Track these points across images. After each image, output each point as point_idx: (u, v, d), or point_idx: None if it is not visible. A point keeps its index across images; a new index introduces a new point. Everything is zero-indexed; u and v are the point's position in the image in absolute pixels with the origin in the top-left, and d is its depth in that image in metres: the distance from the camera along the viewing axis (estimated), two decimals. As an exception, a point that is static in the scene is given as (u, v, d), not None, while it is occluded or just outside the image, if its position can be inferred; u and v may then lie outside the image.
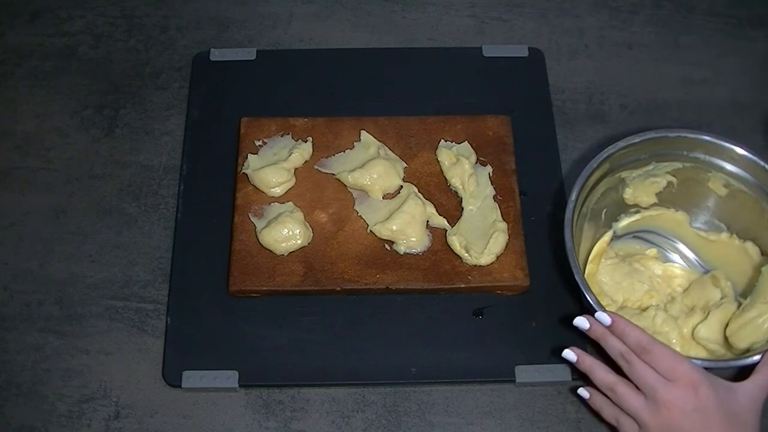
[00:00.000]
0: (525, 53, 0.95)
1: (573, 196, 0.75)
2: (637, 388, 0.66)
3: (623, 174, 0.80)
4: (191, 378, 0.77)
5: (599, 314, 0.68)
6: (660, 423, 0.65)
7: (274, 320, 0.80)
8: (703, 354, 0.77)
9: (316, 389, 0.79)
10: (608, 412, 0.69)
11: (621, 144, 0.77)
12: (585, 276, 0.76)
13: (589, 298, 0.71)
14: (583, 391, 0.72)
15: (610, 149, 0.77)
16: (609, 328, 0.67)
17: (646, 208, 0.84)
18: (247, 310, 0.80)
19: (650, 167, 0.80)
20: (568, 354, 0.70)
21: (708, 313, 0.77)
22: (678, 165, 0.80)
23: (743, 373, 0.68)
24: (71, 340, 0.81)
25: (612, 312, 0.68)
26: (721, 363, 0.73)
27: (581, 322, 0.69)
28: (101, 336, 0.81)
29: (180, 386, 0.77)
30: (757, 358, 0.68)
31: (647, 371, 0.65)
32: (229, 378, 0.77)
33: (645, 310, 0.79)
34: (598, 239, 0.83)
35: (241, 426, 0.77)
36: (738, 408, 0.65)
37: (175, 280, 0.82)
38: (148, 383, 0.79)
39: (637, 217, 0.84)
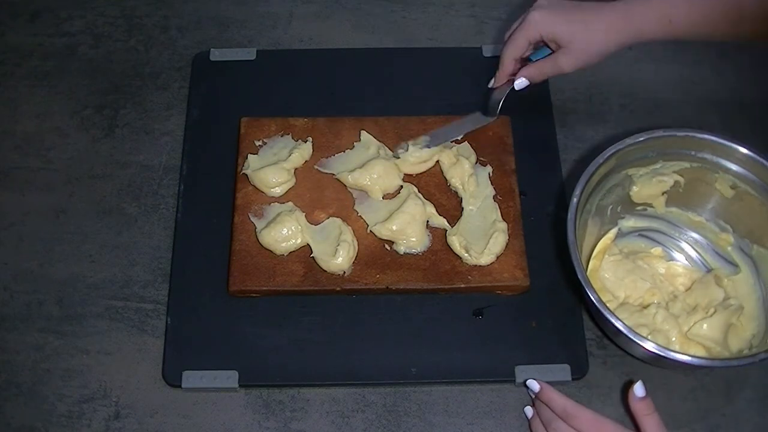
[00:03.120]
0: (525, 53, 0.95)
1: (577, 191, 0.75)
2: None
3: (630, 171, 0.80)
4: (191, 378, 0.77)
5: (530, 382, 0.74)
6: None
7: (274, 320, 0.80)
8: (701, 352, 0.77)
9: (316, 389, 0.79)
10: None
11: (629, 141, 0.77)
12: (587, 272, 0.75)
13: (589, 294, 0.71)
14: (528, 410, 0.76)
15: (618, 145, 0.76)
16: (537, 395, 0.73)
17: (652, 207, 0.84)
18: (247, 310, 0.80)
19: (657, 165, 0.80)
20: (533, 384, 0.74)
21: (714, 312, 0.77)
22: (685, 164, 0.80)
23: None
24: (71, 340, 0.81)
25: (540, 381, 0.74)
26: (718, 362, 0.73)
27: (533, 384, 0.75)
28: (101, 336, 0.81)
29: (180, 386, 0.77)
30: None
31: None
32: (229, 378, 0.77)
33: (646, 307, 0.79)
34: (602, 236, 0.83)
35: (241, 426, 0.77)
36: None
37: (175, 280, 0.82)
38: (148, 383, 0.79)
39: (643, 215, 0.84)
